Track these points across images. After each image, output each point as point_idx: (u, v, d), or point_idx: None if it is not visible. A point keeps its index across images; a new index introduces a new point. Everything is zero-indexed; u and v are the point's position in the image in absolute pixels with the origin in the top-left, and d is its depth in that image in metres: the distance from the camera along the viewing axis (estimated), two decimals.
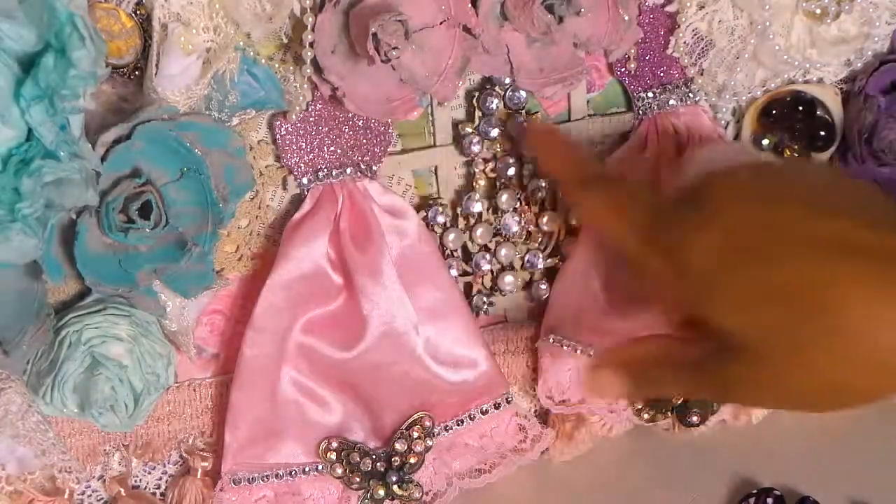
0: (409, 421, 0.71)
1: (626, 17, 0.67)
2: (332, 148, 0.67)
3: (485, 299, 0.74)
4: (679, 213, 0.58)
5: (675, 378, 0.60)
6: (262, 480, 0.71)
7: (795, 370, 0.54)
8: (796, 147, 0.74)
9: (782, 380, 0.55)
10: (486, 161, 0.71)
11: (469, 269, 0.73)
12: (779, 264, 0.54)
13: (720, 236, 0.55)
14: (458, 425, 0.73)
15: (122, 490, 0.73)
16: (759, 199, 0.56)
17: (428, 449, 0.72)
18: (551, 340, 0.75)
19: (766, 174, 0.59)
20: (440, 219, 0.71)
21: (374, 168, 0.69)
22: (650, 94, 0.72)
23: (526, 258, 0.74)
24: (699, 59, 0.71)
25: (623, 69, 0.71)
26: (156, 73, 0.60)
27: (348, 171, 0.68)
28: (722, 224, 0.56)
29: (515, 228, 0.73)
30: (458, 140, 0.71)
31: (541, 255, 0.74)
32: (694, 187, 0.59)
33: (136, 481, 0.74)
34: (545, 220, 0.73)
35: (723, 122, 0.74)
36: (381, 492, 0.72)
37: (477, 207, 0.72)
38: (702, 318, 0.57)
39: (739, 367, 0.56)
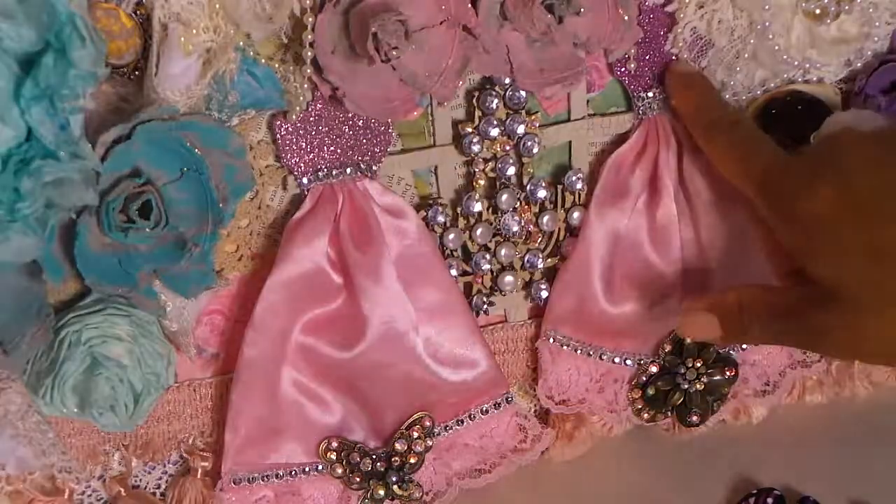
0: (409, 421, 0.71)
1: (626, 17, 0.67)
2: (332, 148, 0.67)
3: (485, 299, 0.74)
4: (804, 161, 0.62)
5: (767, 324, 0.63)
6: (263, 480, 0.71)
7: (889, 323, 0.58)
8: (796, 147, 0.74)
9: (875, 331, 0.59)
10: (486, 161, 0.71)
11: (469, 269, 0.73)
12: (884, 225, 0.58)
13: (840, 187, 0.59)
14: (459, 425, 0.73)
15: (122, 490, 0.73)
16: (883, 161, 0.60)
17: (428, 449, 0.72)
18: (551, 340, 0.75)
19: (891, 141, 0.62)
20: (440, 219, 0.71)
21: (374, 168, 0.69)
22: (650, 94, 0.72)
23: (526, 258, 0.74)
24: (698, 58, 0.71)
25: (623, 69, 0.71)
26: (156, 73, 0.60)
27: (348, 171, 0.68)
28: (845, 176, 0.59)
29: (515, 228, 0.73)
30: (458, 140, 0.71)
31: (541, 255, 0.74)
32: (822, 140, 0.63)
33: (136, 481, 0.74)
34: (545, 220, 0.73)
35: None
36: (381, 492, 0.72)
37: (477, 207, 0.72)
38: (804, 265, 0.61)
39: (835, 316, 0.60)
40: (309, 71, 0.63)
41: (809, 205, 0.60)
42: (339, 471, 0.71)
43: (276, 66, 0.64)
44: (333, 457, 0.71)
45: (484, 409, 0.73)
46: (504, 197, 0.72)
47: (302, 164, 0.67)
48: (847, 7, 0.70)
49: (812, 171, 0.61)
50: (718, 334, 0.66)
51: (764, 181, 0.63)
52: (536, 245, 0.74)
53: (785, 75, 0.73)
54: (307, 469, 0.71)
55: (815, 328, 0.61)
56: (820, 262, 0.60)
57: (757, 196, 0.64)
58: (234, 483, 0.70)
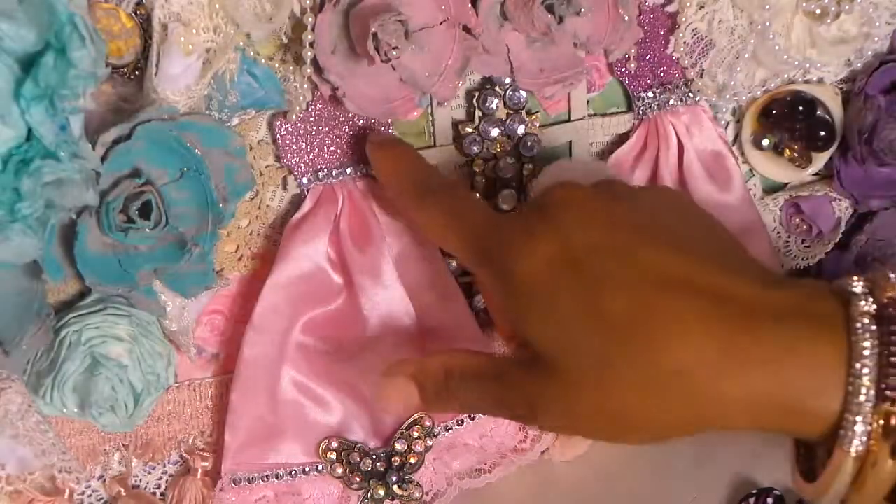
0: (409, 421, 0.71)
1: (626, 17, 0.67)
2: (332, 148, 0.67)
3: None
4: (519, 219, 0.57)
5: (476, 392, 0.58)
6: (262, 480, 0.71)
7: (600, 395, 0.53)
8: (796, 147, 0.74)
9: (593, 403, 0.54)
10: (486, 161, 0.71)
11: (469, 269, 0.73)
12: (603, 289, 0.53)
13: (554, 247, 0.55)
14: (459, 425, 0.73)
15: (122, 490, 0.73)
16: (600, 222, 0.55)
17: (428, 449, 0.72)
18: None
19: (615, 197, 0.58)
20: None
21: None
22: (650, 94, 0.72)
23: None
24: (699, 59, 0.71)
25: (623, 69, 0.71)
26: (156, 73, 0.60)
27: (348, 171, 0.68)
28: (559, 236, 0.55)
29: None
30: (458, 140, 0.71)
31: None
32: (539, 197, 0.58)
33: (136, 481, 0.74)
34: None
35: (723, 122, 0.74)
36: (381, 492, 0.72)
37: None
38: (519, 331, 0.56)
39: (549, 385, 0.55)
40: (309, 71, 0.63)
41: (525, 265, 0.55)
42: (339, 471, 0.71)
43: (276, 66, 0.64)
44: (333, 457, 0.71)
45: None
46: (504, 197, 0.72)
47: (302, 164, 0.67)
48: (847, 7, 0.70)
49: (527, 229, 0.56)
50: (418, 404, 0.61)
51: (479, 243, 0.58)
52: None
53: (785, 75, 0.73)
54: (307, 469, 0.71)
55: (525, 396, 0.56)
56: (534, 327, 0.55)
57: (472, 260, 0.59)
58: (234, 483, 0.70)
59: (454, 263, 0.72)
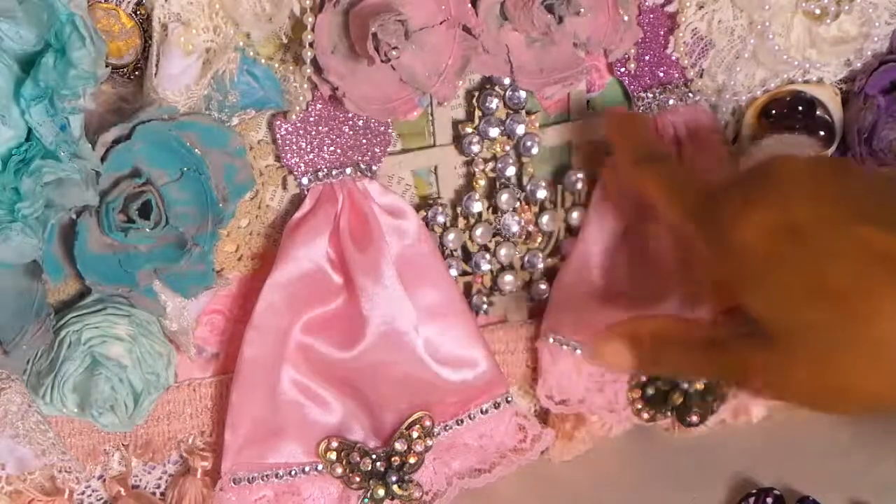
0: (409, 421, 0.71)
1: (626, 17, 0.67)
2: (332, 148, 0.67)
3: (485, 299, 0.74)
4: (738, 189, 0.58)
5: (689, 357, 0.60)
6: (262, 480, 0.71)
7: (821, 367, 0.54)
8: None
9: (806, 375, 0.55)
10: (486, 161, 0.71)
11: (469, 269, 0.73)
12: (828, 262, 0.54)
13: (778, 218, 0.55)
14: (458, 425, 0.73)
15: (122, 490, 0.73)
16: (826, 194, 0.56)
17: (428, 449, 0.72)
18: (551, 340, 0.75)
19: (838, 172, 0.58)
20: (440, 219, 0.71)
21: (374, 168, 0.69)
22: (650, 94, 0.72)
23: (526, 258, 0.74)
24: (699, 59, 0.71)
25: (623, 69, 0.71)
26: (156, 73, 0.60)
27: (348, 171, 0.68)
28: (782, 206, 0.55)
29: (515, 228, 0.73)
30: (458, 140, 0.71)
31: (541, 255, 0.74)
32: (760, 166, 0.58)
33: (136, 481, 0.74)
34: (545, 220, 0.73)
35: (723, 122, 0.74)
36: (381, 491, 0.72)
37: (477, 207, 0.72)
38: (736, 300, 0.57)
39: (766, 354, 0.55)
40: (309, 71, 0.63)
41: (744, 232, 0.55)
42: (339, 470, 0.71)
43: (276, 66, 0.64)
44: (333, 456, 0.71)
45: (484, 408, 0.73)
46: (504, 197, 0.72)
47: (302, 164, 0.67)
48: (847, 7, 0.70)
49: (747, 197, 0.56)
50: (631, 363, 0.62)
51: (696, 210, 0.59)
52: (536, 245, 0.74)
53: (785, 75, 0.73)
54: (307, 469, 0.71)
55: (738, 363, 0.57)
56: (753, 295, 0.56)
57: (690, 226, 0.60)
58: (234, 483, 0.70)
59: (454, 264, 0.73)
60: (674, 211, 0.61)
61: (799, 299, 0.54)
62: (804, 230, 0.54)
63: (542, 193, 0.73)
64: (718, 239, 0.57)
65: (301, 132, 0.67)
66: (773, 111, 0.73)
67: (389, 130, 0.69)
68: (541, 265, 0.74)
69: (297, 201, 0.69)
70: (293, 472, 0.71)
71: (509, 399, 0.73)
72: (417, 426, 0.71)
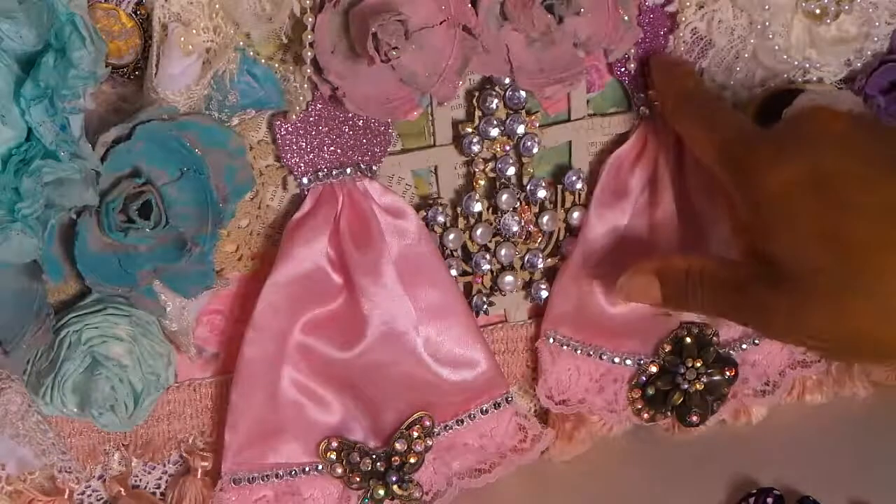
0: (409, 421, 0.71)
1: (626, 17, 0.67)
2: (332, 148, 0.67)
3: (485, 299, 0.74)
4: (772, 134, 0.60)
5: (711, 294, 0.62)
6: (262, 480, 0.71)
7: (836, 313, 0.56)
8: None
9: (818, 320, 0.57)
10: (486, 161, 0.71)
11: (469, 269, 0.73)
12: (850, 214, 0.56)
13: (805, 167, 0.57)
14: (458, 425, 0.73)
15: (122, 490, 0.73)
16: (857, 151, 0.58)
17: (428, 449, 0.72)
18: (551, 340, 0.75)
19: (873, 131, 0.60)
20: (440, 219, 0.71)
21: (374, 168, 0.69)
22: (650, 94, 0.72)
23: (526, 258, 0.74)
24: (699, 59, 0.71)
25: (623, 69, 0.71)
26: (156, 73, 0.60)
27: (348, 171, 0.68)
28: (813, 155, 0.57)
29: (515, 228, 0.73)
30: (458, 140, 0.71)
31: (541, 255, 0.74)
32: (797, 116, 0.61)
33: (136, 481, 0.74)
34: (545, 220, 0.73)
35: None
36: (381, 491, 0.72)
37: (477, 207, 0.72)
38: (758, 241, 0.59)
39: (780, 297, 0.58)
40: (309, 71, 0.63)
41: (771, 180, 0.58)
42: (339, 471, 0.71)
43: (276, 66, 0.64)
44: (333, 456, 0.71)
45: (484, 409, 0.73)
46: (504, 197, 0.72)
47: (302, 164, 0.67)
48: (847, 7, 0.70)
49: (779, 145, 0.59)
50: (658, 297, 0.64)
51: (727, 150, 0.62)
52: (536, 245, 0.74)
53: (785, 75, 0.73)
54: (307, 469, 0.71)
55: (759, 306, 0.60)
56: (773, 239, 0.59)
57: (718, 165, 0.62)
58: (234, 483, 0.70)
59: (454, 264, 0.73)
60: (708, 153, 0.63)
61: (814, 246, 0.56)
62: (827, 183, 0.57)
63: (542, 193, 0.72)
64: (747, 184, 0.59)
65: (301, 132, 0.67)
66: (773, 111, 0.73)
67: (389, 130, 0.69)
68: (541, 265, 0.74)
69: (297, 201, 0.69)
70: (293, 473, 0.71)
71: (509, 399, 0.73)
72: (417, 426, 0.71)
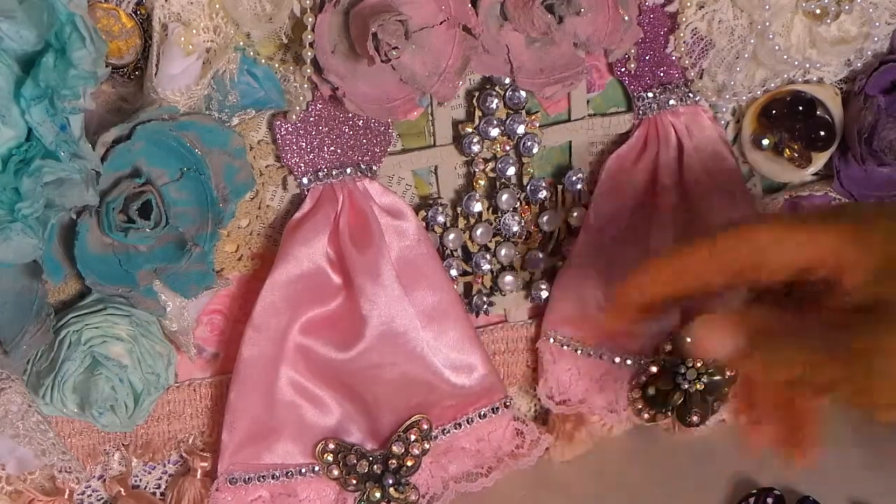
0: (407, 423, 0.71)
1: (626, 17, 0.67)
2: (332, 148, 0.67)
3: (485, 299, 0.74)
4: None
5: (804, 340, 0.56)
6: (259, 481, 0.71)
7: None
8: (796, 147, 0.74)
9: None
10: (486, 161, 0.71)
11: (469, 269, 0.73)
12: None
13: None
14: (456, 429, 0.73)
15: (122, 490, 0.73)
16: None
17: (425, 452, 0.72)
18: (551, 340, 0.75)
19: None
20: (440, 219, 0.71)
21: (374, 168, 0.69)
22: (650, 94, 0.72)
23: (526, 258, 0.74)
24: (699, 59, 0.71)
25: (623, 69, 0.71)
26: (156, 73, 0.60)
27: (348, 171, 0.68)
28: None
29: (515, 228, 0.73)
30: (458, 140, 0.71)
31: (541, 255, 0.74)
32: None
33: (136, 481, 0.74)
34: (545, 220, 0.73)
35: (723, 122, 0.74)
36: (378, 494, 0.72)
37: (477, 207, 0.72)
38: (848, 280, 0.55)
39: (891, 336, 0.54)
40: (309, 71, 0.63)
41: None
42: (336, 472, 0.71)
43: (276, 66, 0.64)
44: (330, 458, 0.71)
45: (482, 413, 0.73)
46: (504, 197, 0.72)
47: (302, 164, 0.67)
48: (847, 7, 0.70)
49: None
50: (735, 349, 0.57)
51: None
52: (536, 245, 0.74)
53: (785, 75, 0.73)
54: (303, 470, 0.71)
55: (870, 347, 0.55)
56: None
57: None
58: (230, 483, 0.70)
59: (454, 264, 0.73)
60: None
61: None
62: None
63: (542, 193, 0.72)
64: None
65: (301, 132, 0.67)
66: (773, 111, 0.73)
67: (389, 130, 0.69)
68: (541, 265, 0.74)
69: (297, 201, 0.69)
70: (290, 473, 0.71)
71: (507, 403, 0.73)
72: (415, 429, 0.71)
